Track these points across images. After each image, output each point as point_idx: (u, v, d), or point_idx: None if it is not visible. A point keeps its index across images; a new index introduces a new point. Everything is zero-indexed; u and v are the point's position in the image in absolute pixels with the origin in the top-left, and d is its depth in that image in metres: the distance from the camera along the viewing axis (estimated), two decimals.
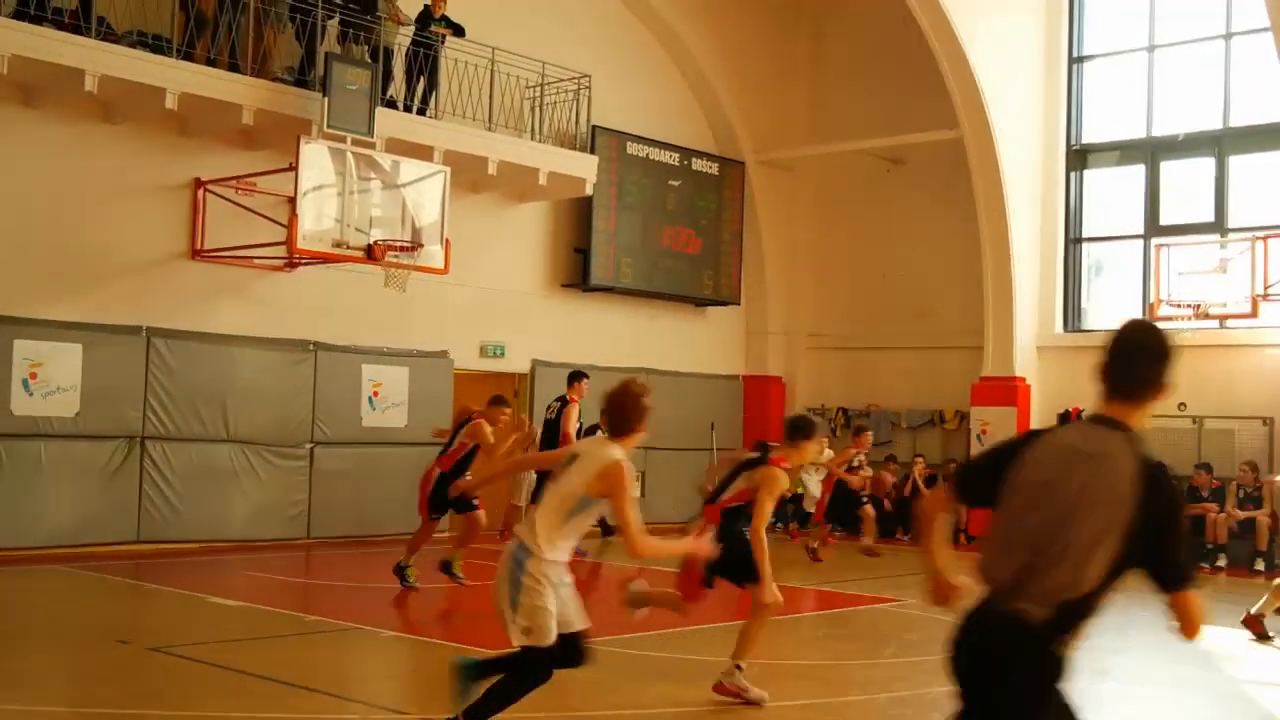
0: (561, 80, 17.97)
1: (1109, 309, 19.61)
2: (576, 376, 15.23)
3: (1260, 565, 16.34)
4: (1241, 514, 16.67)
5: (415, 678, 8.65)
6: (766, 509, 7.81)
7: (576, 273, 19.02)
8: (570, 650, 6.09)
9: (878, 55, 20.95)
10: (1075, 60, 20.12)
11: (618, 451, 6.02)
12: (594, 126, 18.57)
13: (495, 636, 9.33)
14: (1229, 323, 17.39)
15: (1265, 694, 9.02)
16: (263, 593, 12.04)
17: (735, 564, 7.81)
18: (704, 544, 7.03)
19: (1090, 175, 20.11)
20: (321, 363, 16.17)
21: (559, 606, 5.96)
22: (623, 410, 6.15)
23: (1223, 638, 11.44)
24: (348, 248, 14.39)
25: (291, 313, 15.87)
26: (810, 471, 17.44)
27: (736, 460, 8.41)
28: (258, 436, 15.53)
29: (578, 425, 14.76)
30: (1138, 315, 18.41)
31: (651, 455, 18.33)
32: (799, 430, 8.32)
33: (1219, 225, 18.35)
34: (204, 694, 7.64)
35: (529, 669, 6.07)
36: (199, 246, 15.10)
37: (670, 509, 18.16)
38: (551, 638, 5.92)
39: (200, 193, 15.10)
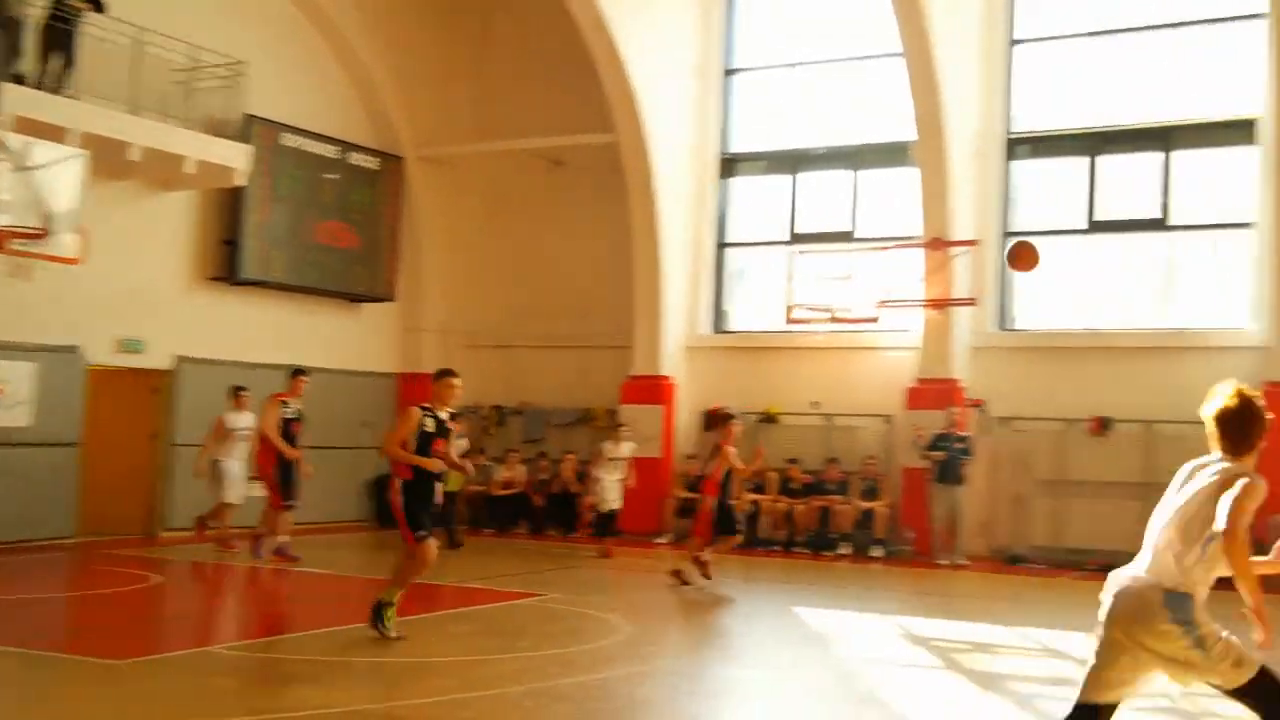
0: (213, 65, 17.34)
1: (752, 312, 20.62)
2: (298, 373, 15.10)
3: (880, 552, 17.60)
4: (864, 504, 17.91)
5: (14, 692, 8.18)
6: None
7: (225, 265, 18.39)
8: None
9: (542, 56, 21.24)
10: (728, 72, 21.04)
11: (1248, 468, 5.22)
12: (247, 115, 18.01)
13: (115, 645, 8.90)
14: (856, 327, 18.58)
15: (871, 670, 9.72)
16: None
17: None
18: None
19: (738, 183, 21.07)
20: None
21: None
22: (1244, 425, 5.27)
23: (837, 619, 12.28)
24: None
25: None
26: (610, 470, 16.94)
27: None
28: None
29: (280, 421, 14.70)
30: (779, 318, 19.42)
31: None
32: None
33: (850, 235, 19.62)
34: None
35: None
36: None
37: (319, 510, 17.89)
38: (1256, 660, 5.10)
39: None
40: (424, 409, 9.80)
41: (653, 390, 19.70)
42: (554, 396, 21.01)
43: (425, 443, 9.70)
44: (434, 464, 9.71)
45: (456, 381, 9.98)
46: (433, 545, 9.81)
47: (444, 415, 9.89)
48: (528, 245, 21.73)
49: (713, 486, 13.69)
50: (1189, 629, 5.00)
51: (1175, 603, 5.04)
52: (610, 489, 16.90)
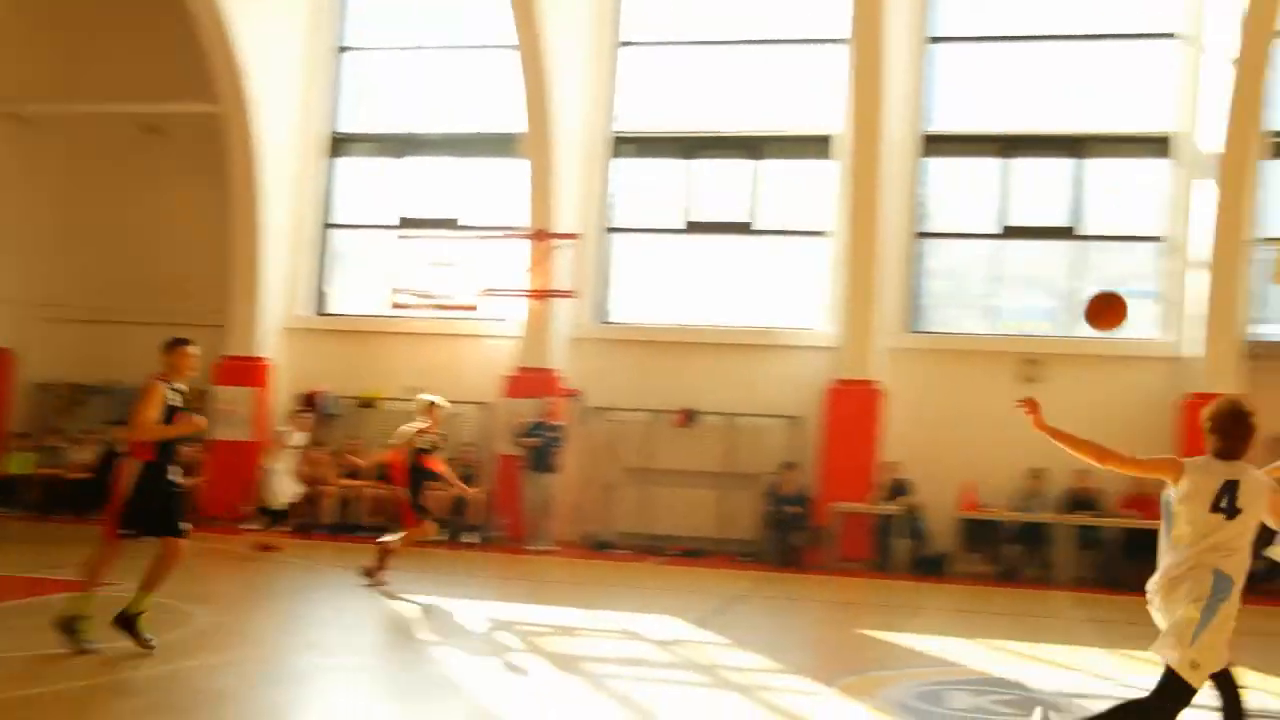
0: None
1: (355, 295, 20.33)
2: None
3: (474, 538, 17.80)
4: (469, 490, 17.99)
5: None
6: None
7: None
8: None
9: (140, 15, 20.11)
10: (341, 49, 20.61)
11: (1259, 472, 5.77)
12: None
13: None
14: (458, 314, 18.67)
15: (453, 656, 9.83)
16: None
17: None
18: None
19: (346, 163, 20.69)
20: None
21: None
22: (1239, 434, 5.68)
23: (425, 606, 12.33)
24: None
25: None
26: (286, 459, 15.66)
27: None
28: None
29: None
30: (382, 302, 19.23)
31: None
32: None
33: (455, 223, 19.67)
34: None
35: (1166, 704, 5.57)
36: None
37: None
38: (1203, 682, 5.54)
39: None
40: (164, 382, 8.86)
41: (248, 372, 19.09)
42: (140, 376, 19.85)
43: (169, 419, 8.86)
44: (197, 422, 9.04)
45: (193, 349, 9.03)
46: (118, 546, 9.00)
47: (182, 387, 9.01)
48: (118, 214, 20.52)
49: (401, 474, 12.93)
50: (1213, 604, 5.48)
51: (1220, 583, 5.52)
52: (284, 479, 15.78)
